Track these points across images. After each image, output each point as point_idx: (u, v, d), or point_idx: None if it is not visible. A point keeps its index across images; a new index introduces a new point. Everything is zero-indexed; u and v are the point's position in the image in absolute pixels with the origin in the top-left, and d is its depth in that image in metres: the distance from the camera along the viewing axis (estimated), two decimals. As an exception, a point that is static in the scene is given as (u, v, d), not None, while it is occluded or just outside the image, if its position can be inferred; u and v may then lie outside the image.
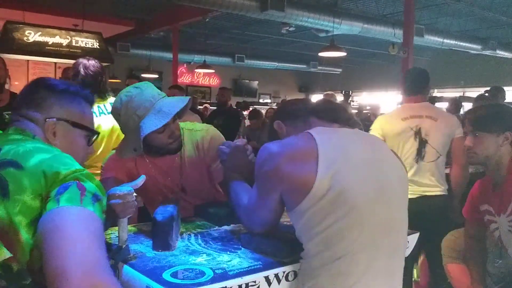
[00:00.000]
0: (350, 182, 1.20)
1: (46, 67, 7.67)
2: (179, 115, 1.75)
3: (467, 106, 7.25)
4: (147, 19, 9.28)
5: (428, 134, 2.78)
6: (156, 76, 11.83)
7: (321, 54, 7.37)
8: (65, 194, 0.93)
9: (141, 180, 1.37)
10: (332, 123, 1.35)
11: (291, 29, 8.88)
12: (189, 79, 14.83)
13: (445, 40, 9.30)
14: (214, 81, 15.30)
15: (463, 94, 11.61)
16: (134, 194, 1.36)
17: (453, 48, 10.06)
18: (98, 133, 1.32)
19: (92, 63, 2.63)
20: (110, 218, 1.32)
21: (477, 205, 2.12)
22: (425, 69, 3.06)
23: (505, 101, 5.36)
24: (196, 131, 1.87)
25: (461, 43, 9.92)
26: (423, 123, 2.79)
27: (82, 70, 2.59)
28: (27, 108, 1.18)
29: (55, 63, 6.40)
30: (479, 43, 10.28)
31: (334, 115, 1.36)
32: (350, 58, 11.99)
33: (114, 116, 1.70)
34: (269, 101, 15.51)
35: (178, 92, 4.54)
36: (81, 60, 2.65)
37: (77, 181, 0.96)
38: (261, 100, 15.37)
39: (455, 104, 6.50)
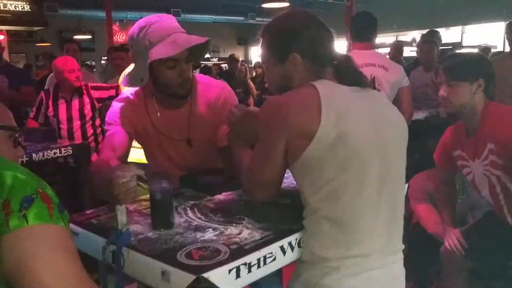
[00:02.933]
0: (354, 134, 1.20)
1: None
2: (195, 59, 1.71)
3: (406, 50, 7.47)
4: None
5: (381, 84, 2.81)
6: (89, 36, 11.19)
7: (264, 5, 7.23)
8: (32, 209, 0.83)
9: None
10: (340, 82, 1.31)
11: (229, -20, 8.59)
12: (123, 38, 14.06)
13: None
14: (150, 38, 14.69)
15: (396, 38, 11.88)
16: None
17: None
18: (21, 130, 1.14)
19: None
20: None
21: (449, 150, 2.20)
22: (373, 14, 3.00)
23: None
24: (211, 87, 1.79)
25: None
26: (377, 72, 2.80)
27: None
28: None
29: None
30: (413, -14, 10.47)
31: (351, 79, 1.31)
32: (287, 8, 11.87)
33: (129, 42, 1.66)
34: (208, 56, 15.18)
35: (125, 54, 4.30)
36: None
37: (41, 192, 0.86)
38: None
39: (398, 49, 6.63)
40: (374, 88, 2.80)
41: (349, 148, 1.19)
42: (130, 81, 1.68)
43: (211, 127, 1.78)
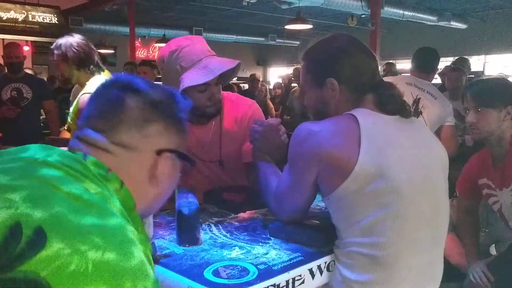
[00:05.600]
0: (394, 169, 1.13)
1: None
2: (224, 80, 1.69)
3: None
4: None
5: (425, 107, 2.81)
6: (112, 51, 11.36)
7: (287, 27, 7.27)
8: None
9: None
10: (381, 111, 1.22)
11: (252, 0, 8.69)
12: (144, 54, 14.33)
13: (405, 12, 9.42)
14: (170, 56, 14.87)
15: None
16: None
17: (410, 20, 10.22)
18: (195, 163, 0.92)
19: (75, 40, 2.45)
20: None
21: (474, 179, 2.13)
22: (436, 51, 3.15)
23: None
24: (239, 104, 1.78)
25: (419, 15, 10.09)
26: (423, 95, 2.85)
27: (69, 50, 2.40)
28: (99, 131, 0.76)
29: (3, 39, 5.96)
30: (435, 15, 10.48)
31: (393, 108, 1.23)
32: (308, 30, 11.98)
33: (158, 64, 1.65)
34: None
35: (149, 69, 4.34)
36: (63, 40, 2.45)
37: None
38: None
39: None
40: (417, 108, 2.79)
41: (388, 183, 1.11)
42: None
43: (239, 145, 1.75)
